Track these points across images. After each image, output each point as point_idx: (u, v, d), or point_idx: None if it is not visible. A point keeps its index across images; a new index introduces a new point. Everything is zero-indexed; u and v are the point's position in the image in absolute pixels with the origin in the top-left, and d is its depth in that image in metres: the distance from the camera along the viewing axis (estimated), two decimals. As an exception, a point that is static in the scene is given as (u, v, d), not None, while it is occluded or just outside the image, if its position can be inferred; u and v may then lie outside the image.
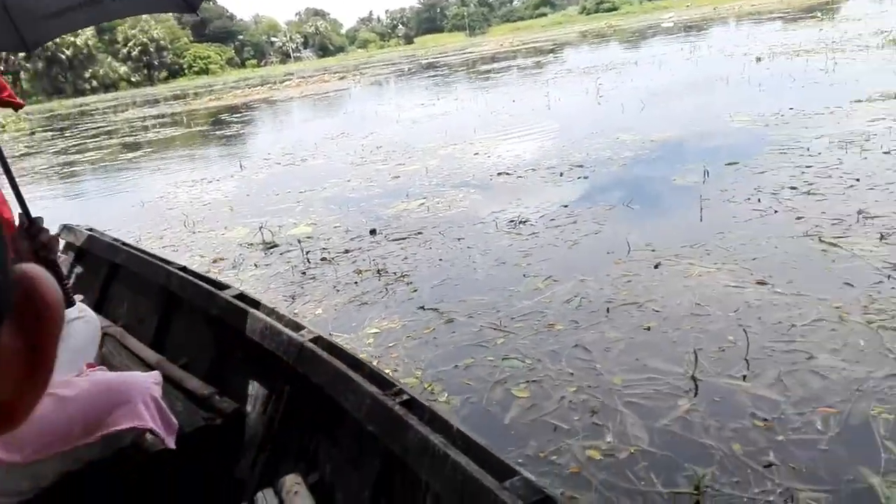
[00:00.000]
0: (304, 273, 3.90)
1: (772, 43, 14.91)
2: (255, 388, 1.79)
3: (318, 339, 1.61)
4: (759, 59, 11.85)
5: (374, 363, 1.83)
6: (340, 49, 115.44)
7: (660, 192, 4.56)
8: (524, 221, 4.27)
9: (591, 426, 2.04)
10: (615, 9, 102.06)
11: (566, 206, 4.47)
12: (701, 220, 3.84)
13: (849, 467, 1.74)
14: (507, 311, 2.97)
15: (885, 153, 4.58)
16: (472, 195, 5.11)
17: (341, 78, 30.08)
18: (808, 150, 4.94)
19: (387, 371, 1.59)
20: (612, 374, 2.31)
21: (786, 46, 13.46)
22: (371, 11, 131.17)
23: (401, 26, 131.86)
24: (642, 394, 2.16)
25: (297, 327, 1.71)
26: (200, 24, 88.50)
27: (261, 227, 4.86)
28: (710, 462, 1.80)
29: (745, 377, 2.17)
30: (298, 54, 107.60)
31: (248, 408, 1.77)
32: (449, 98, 13.69)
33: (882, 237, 3.15)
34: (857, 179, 4.09)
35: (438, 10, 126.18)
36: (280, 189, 6.43)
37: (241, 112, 18.91)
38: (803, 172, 4.40)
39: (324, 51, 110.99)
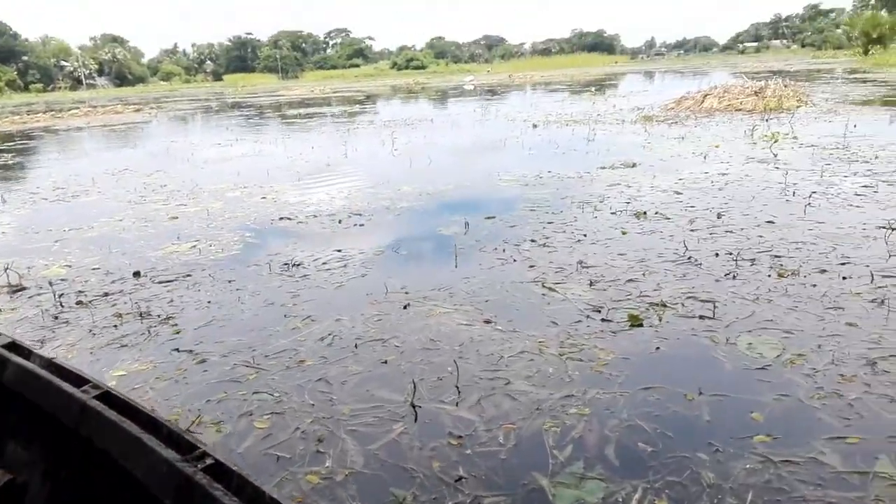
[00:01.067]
0: (55, 317, 3.70)
1: (550, 112, 16.70)
2: (30, 454, 1.58)
3: (105, 396, 1.42)
4: (535, 126, 13.23)
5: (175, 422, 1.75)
6: (140, 79, 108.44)
7: (425, 240, 4.96)
8: (298, 265, 4.43)
9: (315, 454, 2.23)
10: (423, 67, 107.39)
11: (339, 251, 4.71)
12: (456, 266, 4.26)
13: (524, 473, 2.10)
14: (264, 349, 3.10)
15: (611, 213, 5.41)
16: (250, 239, 5.18)
17: (137, 110, 28.32)
18: (553, 208, 5.68)
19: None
20: (345, 404, 2.53)
21: (560, 116, 15.15)
22: (176, 44, 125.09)
23: (209, 62, 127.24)
24: (365, 421, 2.40)
25: (80, 381, 1.50)
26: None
27: (6, 268, 4.51)
28: (412, 481, 2.06)
29: (456, 402, 2.50)
30: (92, 81, 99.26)
31: (25, 478, 1.56)
32: (248, 140, 13.56)
33: (591, 283, 3.75)
34: (585, 235, 4.80)
35: (250, 50, 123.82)
36: (41, 227, 5.99)
37: (14, 140, 17.09)
38: (544, 227, 5.05)
39: (122, 80, 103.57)
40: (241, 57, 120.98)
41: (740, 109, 13.96)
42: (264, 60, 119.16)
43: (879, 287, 3.45)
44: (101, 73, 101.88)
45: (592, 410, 2.39)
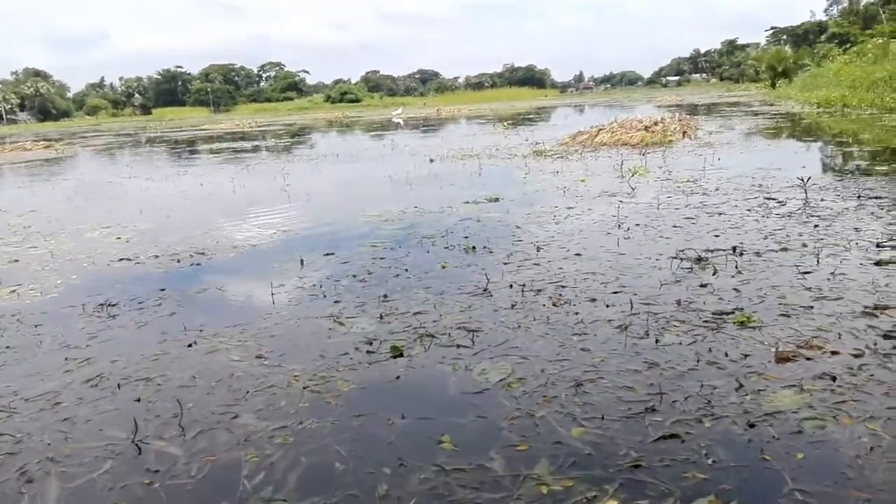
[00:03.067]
0: None
1: (455, 146, 17.16)
2: None
3: None
4: (431, 161, 13.60)
5: None
6: (65, 114, 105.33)
7: (253, 279, 5.09)
8: (114, 304, 4.50)
9: (16, 494, 2.33)
10: (358, 100, 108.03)
11: (162, 290, 4.80)
12: (273, 303, 4.42)
13: (211, 501, 2.25)
14: (29, 392, 3.17)
15: (445, 248, 5.68)
16: (75, 280, 5.22)
17: (46, 146, 27.54)
18: (394, 244, 5.92)
19: None
20: (78, 443, 2.64)
21: (462, 150, 15.58)
22: (103, 77, 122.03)
23: (137, 95, 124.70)
24: (79, 461, 2.51)
25: None
26: None
27: None
28: None
29: (173, 438, 2.64)
30: (13, 117, 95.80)
31: None
32: (142, 177, 13.45)
33: (381, 316, 3.97)
34: (406, 269, 5.04)
35: (180, 83, 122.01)
36: None
37: None
38: (374, 263, 5.27)
39: (45, 114, 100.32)
40: (170, 90, 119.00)
41: (626, 144, 14.68)
42: (195, 94, 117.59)
43: (632, 314, 3.78)
44: (23, 107, 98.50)
45: (297, 439, 2.58)
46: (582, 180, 9.41)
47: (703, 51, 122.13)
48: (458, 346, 3.47)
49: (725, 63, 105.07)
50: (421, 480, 2.27)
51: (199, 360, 3.42)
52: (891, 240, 5.06)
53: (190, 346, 3.65)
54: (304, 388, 3.03)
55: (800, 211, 6.36)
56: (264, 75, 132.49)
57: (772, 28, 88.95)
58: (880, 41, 35.08)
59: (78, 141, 34.01)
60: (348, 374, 3.17)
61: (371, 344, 3.54)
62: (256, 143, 24.22)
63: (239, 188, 10.89)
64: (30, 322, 4.27)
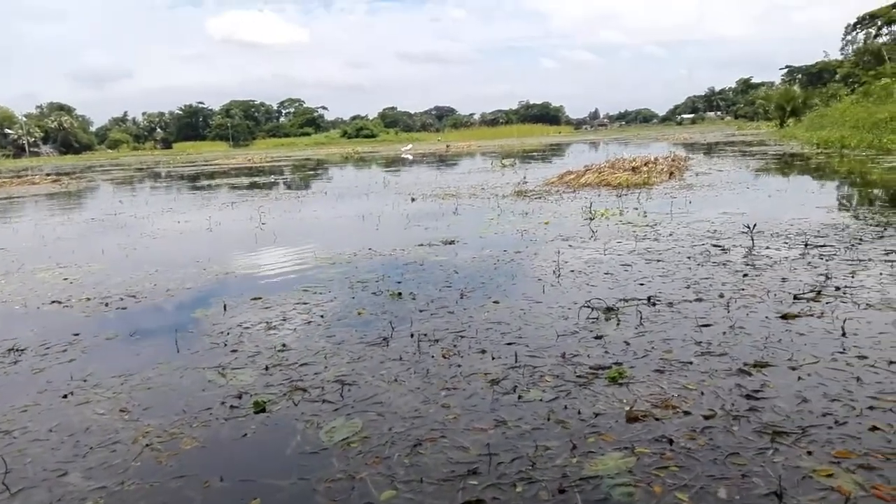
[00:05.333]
0: None
1: (446, 184, 17.30)
2: None
3: None
4: (413, 200, 13.70)
5: None
6: (88, 147, 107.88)
7: (172, 323, 5.11)
8: (21, 350, 4.56)
9: None
10: (374, 136, 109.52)
11: (76, 335, 4.85)
12: (178, 350, 4.44)
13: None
14: None
15: (373, 293, 5.70)
16: (-2, 323, 5.30)
17: (55, 181, 28.19)
18: (325, 288, 5.94)
19: None
20: None
21: (449, 189, 15.70)
22: (126, 112, 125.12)
23: (159, 130, 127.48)
24: None
25: None
26: None
27: None
28: None
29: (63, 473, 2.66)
30: (36, 149, 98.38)
31: None
32: (126, 213, 13.67)
33: (266, 368, 3.98)
34: (322, 316, 5.05)
35: (201, 118, 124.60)
36: None
37: None
38: (294, 308, 5.30)
39: (67, 147, 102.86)
40: (191, 125, 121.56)
41: (609, 184, 14.69)
42: (216, 129, 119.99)
43: (513, 367, 3.76)
44: (46, 140, 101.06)
45: (107, 502, 2.58)
46: (546, 223, 9.42)
47: (717, 89, 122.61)
48: (325, 401, 3.46)
49: (740, 101, 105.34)
50: None
51: (64, 413, 3.45)
52: (812, 291, 5.00)
53: (65, 396, 3.68)
54: (147, 445, 3.04)
55: (739, 259, 6.31)
56: (284, 111, 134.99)
57: (786, 67, 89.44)
58: (885, 82, 35.07)
59: (90, 175, 34.73)
60: (199, 431, 3.17)
61: (240, 398, 3.55)
62: (259, 178, 24.57)
63: (214, 226, 11.03)
64: (-67, 366, 4.32)
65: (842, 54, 66.90)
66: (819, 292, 4.94)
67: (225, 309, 5.39)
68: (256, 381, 3.78)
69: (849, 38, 66.32)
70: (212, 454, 2.95)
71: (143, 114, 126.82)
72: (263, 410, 3.38)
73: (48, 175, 31.25)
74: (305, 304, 5.47)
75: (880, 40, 60.44)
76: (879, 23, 60.84)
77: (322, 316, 5.07)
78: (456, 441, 2.93)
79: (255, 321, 5.01)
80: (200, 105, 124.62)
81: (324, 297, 5.63)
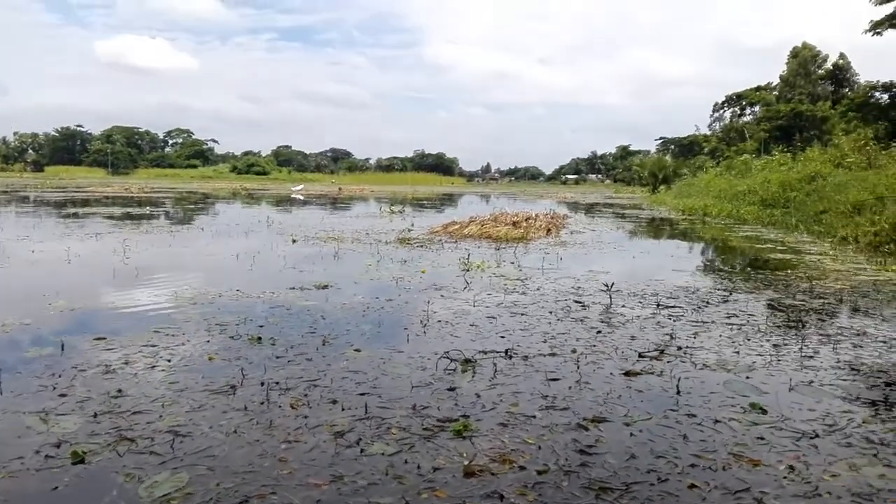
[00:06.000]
0: None
1: (331, 227, 17.15)
2: None
3: None
4: (294, 241, 13.45)
5: None
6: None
7: (0, 364, 4.66)
8: None
9: None
10: (266, 173, 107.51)
11: None
12: (0, 392, 4.03)
13: None
14: None
15: (231, 337, 5.46)
16: None
17: None
18: (181, 331, 5.64)
19: None
20: None
21: (330, 232, 15.53)
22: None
23: (31, 151, 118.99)
24: None
25: None
26: None
27: None
28: None
29: None
30: None
31: None
32: (-28, 240, 12.52)
33: (95, 415, 3.68)
34: (169, 360, 4.77)
35: (79, 142, 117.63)
36: None
37: None
38: (140, 350, 4.97)
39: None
40: (67, 148, 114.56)
41: (490, 237, 15.10)
42: (94, 154, 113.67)
43: (361, 419, 3.68)
44: None
45: None
46: (423, 272, 9.49)
47: (599, 153, 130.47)
48: (153, 452, 3.24)
49: (619, 166, 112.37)
50: None
51: None
52: (656, 350, 5.29)
53: None
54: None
55: (595, 316, 6.60)
56: (170, 141, 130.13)
57: (661, 138, 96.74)
58: (745, 157, 38.70)
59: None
60: (5, 483, 2.87)
61: (58, 447, 3.26)
62: (134, 209, 23.30)
63: (73, 257, 10.29)
64: None
65: (709, 130, 73.35)
66: (662, 351, 5.24)
67: (62, 349, 4.99)
68: (81, 429, 3.49)
69: (716, 115, 72.96)
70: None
71: (15, 133, 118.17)
72: (82, 461, 3.12)
73: None
74: (154, 346, 5.17)
75: (744, 119, 66.87)
76: (744, 103, 67.40)
77: (169, 360, 4.80)
78: (286, 498, 2.82)
79: (93, 363, 4.66)
80: (79, 128, 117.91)
81: (175, 340, 5.35)
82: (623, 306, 7.14)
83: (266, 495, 2.84)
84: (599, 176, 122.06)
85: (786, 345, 5.57)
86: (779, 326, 6.32)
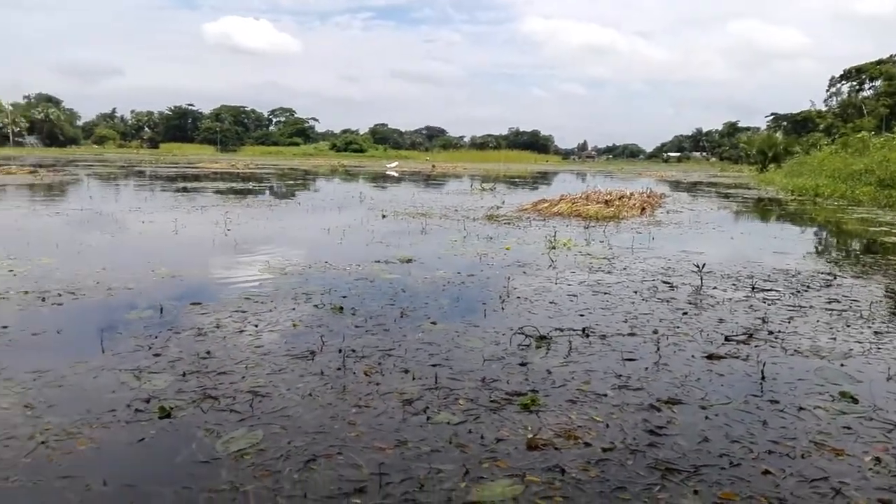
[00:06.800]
0: None
1: (422, 203, 17.34)
2: None
3: None
4: (384, 216, 13.71)
5: None
6: (73, 141, 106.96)
7: (98, 323, 5.02)
8: (-57, 340, 4.46)
9: None
10: (363, 151, 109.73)
11: (5, 328, 4.76)
12: (102, 351, 4.37)
13: None
14: None
15: (315, 306, 5.66)
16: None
17: (31, 172, 27.87)
18: (266, 298, 5.90)
19: None
20: None
21: (419, 208, 15.72)
22: (115, 109, 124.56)
23: (147, 129, 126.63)
24: None
25: None
26: None
27: None
28: None
29: None
30: (21, 140, 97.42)
31: None
32: (91, 209, 13.54)
33: (184, 374, 3.93)
34: (256, 325, 5.01)
35: (190, 120, 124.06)
36: None
37: None
38: (230, 316, 5.24)
39: (52, 140, 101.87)
40: (180, 126, 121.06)
41: (580, 215, 14.81)
42: (204, 132, 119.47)
43: (431, 388, 3.74)
44: (31, 131, 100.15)
45: (-23, 494, 2.52)
46: (508, 248, 9.45)
47: (704, 130, 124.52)
48: (232, 410, 3.43)
49: (725, 144, 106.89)
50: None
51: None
52: (744, 333, 5.05)
53: (-20, 385, 3.60)
54: (42, 442, 2.98)
55: (683, 297, 6.37)
56: (274, 119, 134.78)
57: (772, 114, 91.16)
58: (863, 135, 35.87)
59: (70, 169, 34.38)
60: (97, 432, 3.12)
61: (148, 402, 3.50)
62: (238, 184, 24.46)
63: (179, 229, 10.95)
64: None
65: (826, 105, 68.47)
66: (751, 335, 4.99)
67: (161, 312, 5.33)
68: (170, 387, 3.73)
69: (833, 90, 67.98)
70: (104, 456, 2.90)
71: (132, 112, 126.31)
72: (168, 416, 3.33)
73: (24, 166, 30.89)
74: (243, 312, 5.43)
75: (863, 94, 61.99)
76: (863, 77, 62.45)
77: (256, 326, 5.03)
78: (352, 459, 2.91)
79: (187, 326, 4.96)
80: (190, 107, 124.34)
81: (264, 307, 5.60)
82: (714, 288, 6.84)
83: (333, 455, 2.94)
84: (704, 154, 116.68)
85: (889, 332, 5.17)
86: (884, 314, 5.86)
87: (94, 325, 4.92)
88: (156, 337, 4.67)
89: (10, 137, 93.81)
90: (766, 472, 2.85)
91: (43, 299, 5.67)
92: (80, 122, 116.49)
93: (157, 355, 4.28)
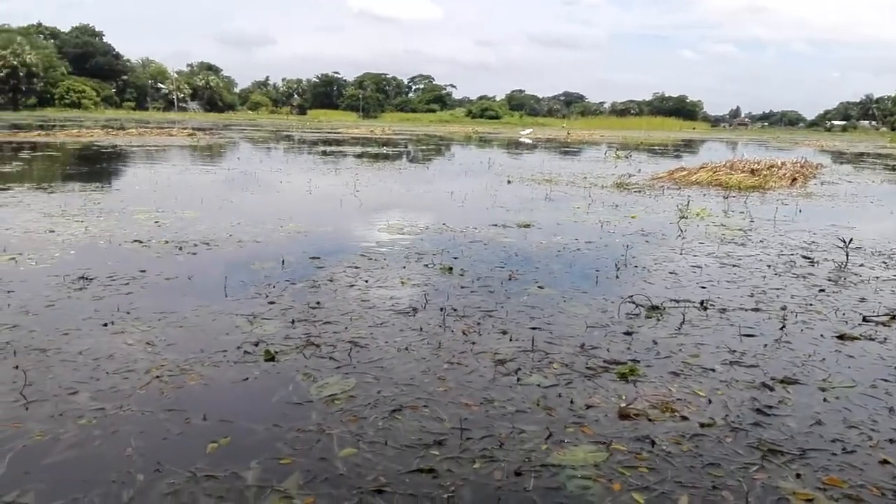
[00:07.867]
0: None
1: (551, 170, 17.05)
2: None
3: None
4: (509, 182, 13.62)
5: None
6: (230, 107, 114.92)
7: (224, 271, 5.38)
8: (90, 279, 4.97)
9: None
10: (498, 117, 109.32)
11: (143, 272, 5.23)
12: (226, 296, 4.71)
13: None
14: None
15: (426, 265, 5.74)
16: (72, 255, 5.80)
17: (189, 134, 30.34)
18: (382, 255, 6.06)
19: None
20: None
21: (551, 175, 15.45)
22: (268, 77, 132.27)
23: (296, 96, 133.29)
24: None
25: None
26: (81, 58, 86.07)
27: None
28: None
29: (14, 404, 2.94)
30: (184, 105, 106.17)
31: None
32: (238, 169, 14.51)
33: (293, 322, 4.13)
34: (366, 281, 5.17)
35: (335, 88, 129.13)
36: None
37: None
38: (345, 271, 5.44)
39: (212, 106, 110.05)
40: (326, 94, 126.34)
41: (721, 184, 13.90)
42: (348, 99, 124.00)
43: (526, 351, 3.68)
44: (193, 97, 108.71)
45: (99, 422, 2.79)
46: (633, 217, 9.07)
47: (875, 97, 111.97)
48: (332, 358, 3.55)
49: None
50: (169, 484, 2.36)
51: (97, 339, 3.73)
52: (887, 314, 4.52)
53: (105, 325, 3.98)
54: (157, 376, 3.24)
55: (823, 274, 5.81)
56: (413, 86, 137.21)
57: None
58: None
59: (225, 132, 37.08)
60: (207, 370, 3.34)
61: (256, 345, 3.70)
62: (374, 149, 25.26)
63: (312, 189, 11.49)
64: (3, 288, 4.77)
65: None
66: (894, 317, 4.45)
67: (283, 264, 5.62)
68: (278, 333, 3.93)
69: None
70: (209, 392, 3.11)
71: (283, 79, 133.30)
72: (272, 360, 3.51)
73: (184, 129, 33.68)
74: (357, 268, 5.60)
75: None
76: None
77: (366, 281, 5.18)
78: (436, 413, 2.92)
79: (303, 278, 5.19)
80: (336, 75, 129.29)
81: (376, 264, 5.75)
82: (861, 265, 6.18)
83: (419, 407, 2.97)
84: (874, 123, 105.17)
85: None
86: None
87: (220, 274, 5.27)
88: (273, 286, 4.93)
89: (175, 103, 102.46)
90: (885, 462, 2.54)
91: (180, 248, 6.16)
92: (236, 89, 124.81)
93: (271, 303, 4.52)
